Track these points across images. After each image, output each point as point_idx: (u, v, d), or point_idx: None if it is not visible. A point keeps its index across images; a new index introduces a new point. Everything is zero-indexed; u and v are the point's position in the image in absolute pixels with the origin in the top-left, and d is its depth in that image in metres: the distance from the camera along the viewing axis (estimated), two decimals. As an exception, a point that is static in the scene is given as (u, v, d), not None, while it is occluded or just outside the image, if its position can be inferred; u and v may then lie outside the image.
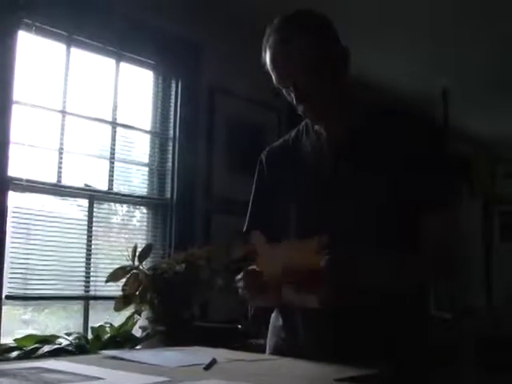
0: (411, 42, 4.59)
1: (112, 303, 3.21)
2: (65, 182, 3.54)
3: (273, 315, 1.91)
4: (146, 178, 4.08)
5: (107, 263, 3.60)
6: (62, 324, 3.53)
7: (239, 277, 1.66)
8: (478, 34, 4.44)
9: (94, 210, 3.69)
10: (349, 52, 1.73)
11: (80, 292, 3.56)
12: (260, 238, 1.60)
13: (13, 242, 3.26)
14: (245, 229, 1.94)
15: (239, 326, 3.54)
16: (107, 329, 3.14)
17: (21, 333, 3.24)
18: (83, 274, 3.58)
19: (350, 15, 3.87)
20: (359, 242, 1.61)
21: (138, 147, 4.06)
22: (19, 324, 3.38)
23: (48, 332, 3.34)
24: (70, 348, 2.89)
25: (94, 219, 3.68)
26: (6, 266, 3.18)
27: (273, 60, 1.69)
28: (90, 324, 3.47)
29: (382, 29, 4.37)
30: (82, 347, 2.94)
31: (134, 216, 4.10)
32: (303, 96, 1.68)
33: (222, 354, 1.66)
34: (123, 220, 4.04)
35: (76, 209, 3.72)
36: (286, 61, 1.68)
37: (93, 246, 3.64)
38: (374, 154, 1.70)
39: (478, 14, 4.13)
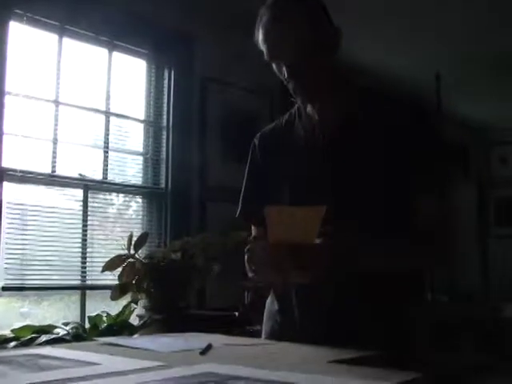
0: (408, 29, 4.59)
1: (109, 293, 3.21)
2: (59, 172, 3.53)
3: (268, 300, 1.91)
4: (141, 167, 4.08)
5: (103, 253, 3.60)
6: (59, 315, 3.52)
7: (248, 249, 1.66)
8: (472, 22, 4.44)
9: (89, 200, 3.69)
10: (340, 32, 1.73)
11: (77, 282, 3.57)
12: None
13: (8, 233, 3.26)
14: (238, 213, 1.95)
15: (236, 314, 3.55)
16: (104, 318, 3.15)
17: (19, 325, 3.25)
18: (79, 264, 3.59)
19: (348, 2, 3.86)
20: (352, 225, 1.61)
21: (132, 137, 4.06)
22: (17, 317, 3.38)
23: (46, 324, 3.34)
24: (67, 337, 2.89)
25: (90, 209, 3.68)
26: (1, 257, 3.18)
27: (265, 35, 1.70)
28: (88, 314, 3.48)
29: (379, 16, 4.36)
30: (79, 336, 2.94)
31: (130, 205, 4.10)
32: (294, 72, 1.68)
33: (217, 339, 1.67)
34: (118, 210, 4.04)
35: (71, 199, 3.71)
36: (278, 36, 1.68)
37: (88, 236, 3.64)
38: (366, 138, 1.70)
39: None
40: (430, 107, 4.55)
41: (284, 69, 1.69)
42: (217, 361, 1.31)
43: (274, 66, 1.74)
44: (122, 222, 3.99)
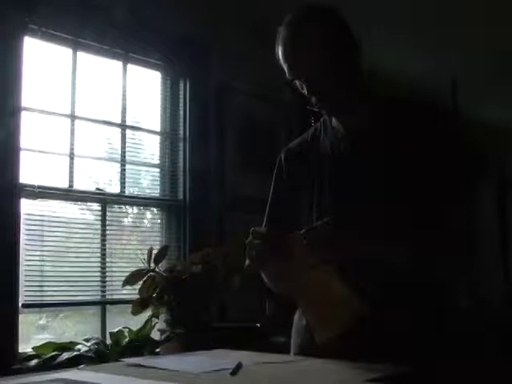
0: (420, 34, 4.56)
1: (127, 306, 3.19)
2: (76, 186, 3.51)
3: (296, 316, 1.89)
4: (158, 179, 4.04)
5: (123, 266, 3.57)
6: (78, 328, 3.50)
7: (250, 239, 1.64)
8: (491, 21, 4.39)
9: (107, 213, 3.66)
10: (360, 42, 1.75)
11: (96, 297, 3.53)
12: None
13: (27, 250, 3.23)
14: (263, 227, 1.93)
15: (257, 325, 3.50)
16: (126, 333, 3.11)
17: (37, 338, 3.24)
18: (99, 278, 3.55)
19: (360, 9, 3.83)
20: (380, 237, 1.61)
21: (149, 149, 4.03)
22: (35, 330, 3.36)
23: (65, 337, 3.33)
24: (89, 354, 2.87)
25: (108, 223, 3.65)
26: (21, 274, 3.15)
27: (284, 53, 1.73)
28: (107, 328, 3.46)
29: (389, 21, 4.33)
30: (101, 353, 2.92)
31: (147, 218, 4.06)
32: (315, 87, 1.71)
33: (247, 356, 1.63)
34: (136, 223, 4.00)
35: (88, 212, 3.68)
36: (297, 53, 1.71)
37: (107, 250, 3.61)
38: (390, 147, 1.71)
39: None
40: (451, 112, 4.53)
41: (305, 86, 1.72)
42: (248, 381, 1.28)
43: (296, 82, 1.75)
44: (140, 235, 3.95)
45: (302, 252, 1.56)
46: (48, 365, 2.78)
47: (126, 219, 3.91)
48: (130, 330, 3.13)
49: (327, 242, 1.58)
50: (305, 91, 1.73)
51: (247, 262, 1.66)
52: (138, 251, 3.45)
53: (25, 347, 3.09)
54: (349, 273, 1.60)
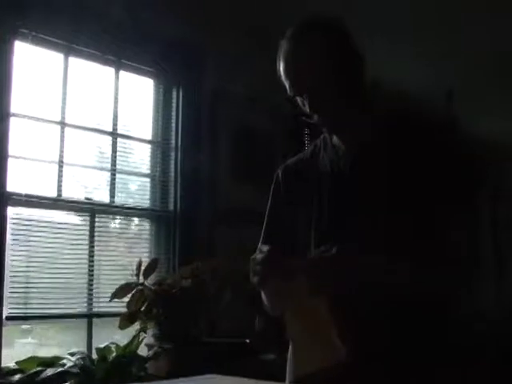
0: (418, 46, 4.52)
1: (114, 318, 3.13)
2: (65, 195, 3.43)
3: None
4: (148, 189, 3.96)
5: (110, 279, 3.49)
6: (62, 337, 3.45)
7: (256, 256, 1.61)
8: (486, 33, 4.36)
9: (96, 223, 3.57)
10: (364, 58, 1.71)
11: (83, 309, 3.45)
12: None
13: (12, 260, 3.15)
14: (260, 245, 1.88)
15: (247, 341, 3.44)
16: (113, 348, 3.03)
17: (20, 343, 3.21)
18: (85, 290, 3.47)
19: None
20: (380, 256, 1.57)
21: (139, 158, 3.95)
22: (18, 334, 3.29)
23: (48, 343, 3.29)
24: (74, 370, 2.78)
25: (96, 233, 3.56)
26: (6, 285, 3.07)
27: (285, 69, 1.69)
28: (93, 339, 3.39)
29: (387, 33, 4.29)
30: (87, 368, 2.83)
31: (137, 229, 3.98)
32: (316, 104, 1.67)
33: (238, 384, 1.56)
34: (125, 233, 3.91)
35: (77, 222, 3.60)
36: (298, 69, 1.67)
37: (95, 262, 3.52)
38: (393, 165, 1.67)
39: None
40: (451, 124, 4.50)
41: (306, 103, 1.68)
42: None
43: (298, 99, 1.71)
44: (129, 246, 3.86)
45: (301, 279, 1.51)
46: (32, 380, 2.70)
47: (114, 229, 3.83)
48: (117, 346, 3.04)
49: (326, 272, 1.54)
50: (306, 108, 1.69)
51: (251, 277, 1.62)
52: (127, 263, 3.39)
53: (7, 352, 3.03)
54: (345, 300, 1.55)
